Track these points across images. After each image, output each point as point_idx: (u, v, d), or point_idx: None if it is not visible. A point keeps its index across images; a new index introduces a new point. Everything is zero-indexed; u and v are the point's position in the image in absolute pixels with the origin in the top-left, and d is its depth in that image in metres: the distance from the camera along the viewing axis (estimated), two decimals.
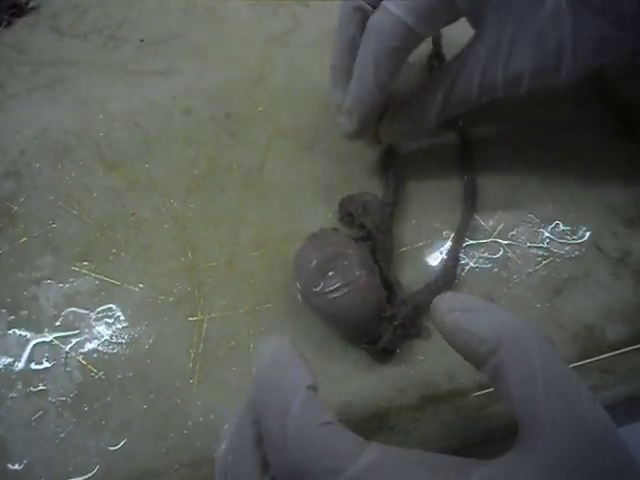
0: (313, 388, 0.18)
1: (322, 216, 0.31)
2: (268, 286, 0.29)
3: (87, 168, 0.33)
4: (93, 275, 0.30)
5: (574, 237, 0.31)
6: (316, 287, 0.26)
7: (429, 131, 0.30)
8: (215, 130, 0.35)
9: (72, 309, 0.29)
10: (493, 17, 0.26)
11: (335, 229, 0.29)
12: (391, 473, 0.17)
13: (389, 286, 0.28)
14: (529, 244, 0.31)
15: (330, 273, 0.26)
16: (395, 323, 0.26)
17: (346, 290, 0.26)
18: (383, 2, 0.27)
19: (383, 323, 0.26)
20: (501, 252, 0.31)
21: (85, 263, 0.30)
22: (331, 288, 0.26)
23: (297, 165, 0.33)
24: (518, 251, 0.31)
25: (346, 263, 0.26)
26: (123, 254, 0.30)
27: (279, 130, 0.35)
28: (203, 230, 0.31)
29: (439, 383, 0.27)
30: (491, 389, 0.26)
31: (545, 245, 0.31)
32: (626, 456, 0.17)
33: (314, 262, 0.26)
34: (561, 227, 0.31)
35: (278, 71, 0.37)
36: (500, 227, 0.31)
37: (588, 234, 0.31)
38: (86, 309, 0.29)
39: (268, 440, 0.18)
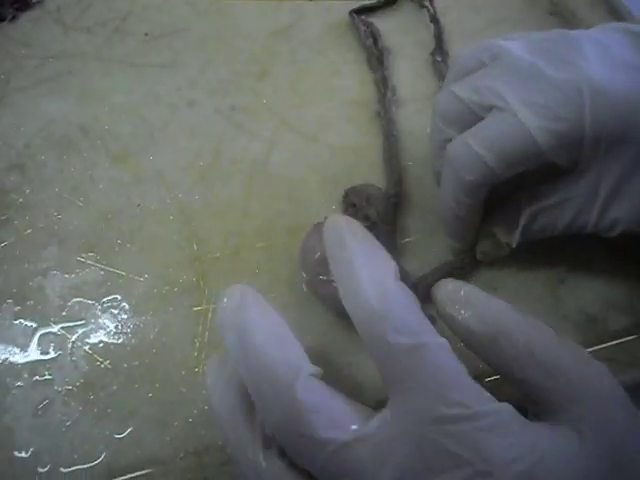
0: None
1: (326, 207, 0.31)
2: (273, 276, 0.29)
3: (92, 160, 0.34)
4: (99, 266, 0.30)
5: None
6: (322, 276, 0.26)
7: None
8: (220, 122, 0.35)
9: (78, 299, 0.29)
10: (592, 166, 0.25)
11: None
12: (451, 358, 0.18)
13: None
14: None
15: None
16: None
17: None
18: (464, 133, 0.25)
19: None
20: None
21: (91, 254, 0.30)
22: None
23: (301, 157, 0.33)
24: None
25: None
26: (128, 245, 0.31)
27: (283, 122, 0.35)
28: (208, 221, 0.31)
29: None
30: (495, 377, 0.27)
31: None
32: None
33: (320, 251, 0.26)
34: None
35: (282, 64, 0.37)
36: None
37: None
38: (92, 299, 0.29)
39: (359, 300, 0.19)
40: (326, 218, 0.28)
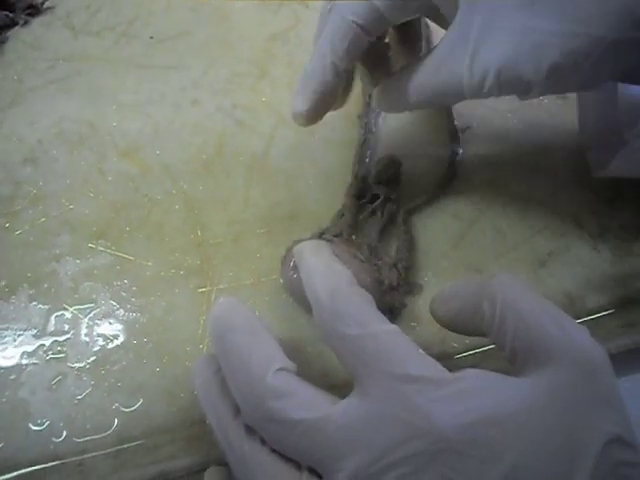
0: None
1: (321, 197, 0.34)
2: (272, 260, 0.31)
3: (101, 154, 0.35)
4: (108, 252, 0.32)
5: (556, 215, 0.33)
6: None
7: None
8: (222, 119, 0.37)
9: (89, 283, 0.31)
10: (463, 10, 0.24)
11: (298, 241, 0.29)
12: (401, 342, 0.20)
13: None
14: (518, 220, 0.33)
15: None
16: (394, 285, 0.28)
17: None
18: None
19: (387, 293, 0.28)
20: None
21: (101, 241, 0.32)
22: None
23: (299, 151, 0.36)
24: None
25: None
26: (136, 232, 0.33)
27: (281, 119, 0.37)
28: (211, 210, 0.33)
29: (432, 347, 0.29)
30: (479, 350, 0.29)
31: (531, 222, 0.33)
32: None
33: (298, 280, 0.26)
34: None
35: (280, 65, 0.40)
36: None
37: (570, 212, 0.33)
38: (102, 282, 0.31)
39: (317, 304, 0.21)
40: (287, 250, 0.30)
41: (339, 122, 0.37)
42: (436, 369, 0.19)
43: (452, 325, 0.23)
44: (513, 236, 0.32)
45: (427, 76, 0.26)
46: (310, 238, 0.30)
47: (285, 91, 0.38)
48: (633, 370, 0.29)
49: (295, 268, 0.27)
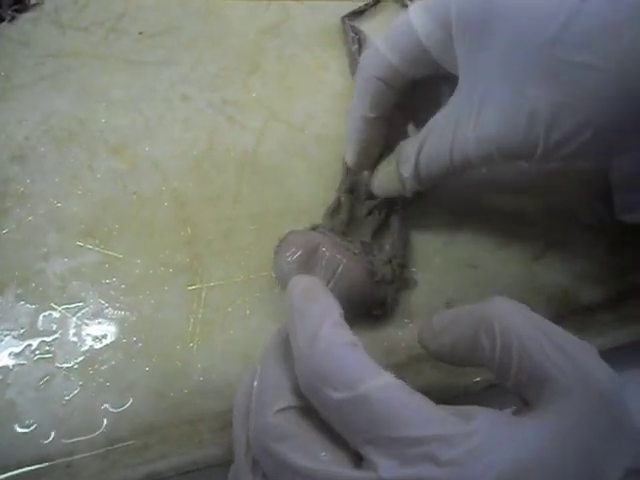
0: (342, 316, 0.20)
1: (312, 193, 0.33)
2: (263, 257, 0.31)
3: (91, 151, 0.35)
4: (97, 250, 0.32)
5: (551, 209, 0.33)
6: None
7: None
8: (212, 115, 0.36)
9: (78, 281, 0.31)
10: (467, 78, 0.25)
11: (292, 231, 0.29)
12: (399, 397, 0.17)
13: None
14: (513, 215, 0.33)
15: (316, 269, 0.27)
16: (388, 280, 0.28)
17: (338, 278, 0.27)
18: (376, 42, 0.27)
19: (380, 286, 0.28)
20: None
21: (89, 239, 0.32)
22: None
23: (289, 146, 0.35)
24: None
25: (324, 250, 0.27)
26: (125, 230, 0.32)
27: (272, 114, 0.36)
28: (201, 207, 0.33)
29: None
30: None
31: (526, 216, 0.33)
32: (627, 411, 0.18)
33: (294, 269, 0.27)
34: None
35: (270, 60, 0.39)
36: None
37: (566, 206, 0.33)
38: (91, 281, 0.31)
39: (297, 353, 0.19)
40: (280, 240, 0.29)
41: (329, 118, 0.37)
42: (443, 422, 0.17)
43: (447, 359, 0.22)
44: (507, 231, 0.32)
45: (436, 146, 0.26)
46: (304, 229, 0.29)
47: (275, 86, 0.38)
48: (629, 365, 0.28)
49: (291, 260, 0.27)
